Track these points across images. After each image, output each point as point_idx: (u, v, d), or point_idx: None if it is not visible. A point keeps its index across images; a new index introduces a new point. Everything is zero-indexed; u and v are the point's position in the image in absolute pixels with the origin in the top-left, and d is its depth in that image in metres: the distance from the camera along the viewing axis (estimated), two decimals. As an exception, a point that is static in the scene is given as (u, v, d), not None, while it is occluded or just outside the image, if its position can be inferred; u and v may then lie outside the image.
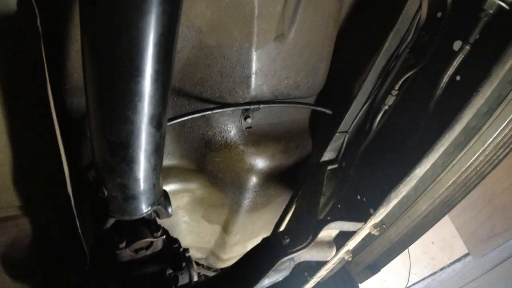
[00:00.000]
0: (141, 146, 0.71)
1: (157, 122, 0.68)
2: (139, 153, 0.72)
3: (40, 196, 0.99)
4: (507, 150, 1.17)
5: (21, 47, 0.71)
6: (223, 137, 1.25)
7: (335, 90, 1.32)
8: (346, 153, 1.43)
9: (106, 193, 0.84)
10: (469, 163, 1.20)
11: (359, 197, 1.48)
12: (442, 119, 1.12)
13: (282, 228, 1.71)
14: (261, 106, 1.16)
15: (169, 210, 1.00)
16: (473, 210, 3.45)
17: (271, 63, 1.06)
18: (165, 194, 1.00)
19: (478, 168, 1.23)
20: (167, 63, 0.60)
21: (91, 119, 0.70)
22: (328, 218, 1.64)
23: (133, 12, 0.51)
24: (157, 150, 0.75)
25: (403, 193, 1.27)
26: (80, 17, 0.57)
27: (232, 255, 1.84)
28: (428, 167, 1.20)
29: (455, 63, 1.09)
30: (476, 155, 1.17)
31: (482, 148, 1.15)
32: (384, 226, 1.43)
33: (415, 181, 1.23)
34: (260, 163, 1.33)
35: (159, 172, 0.83)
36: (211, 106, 1.14)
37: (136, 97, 0.61)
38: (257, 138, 1.29)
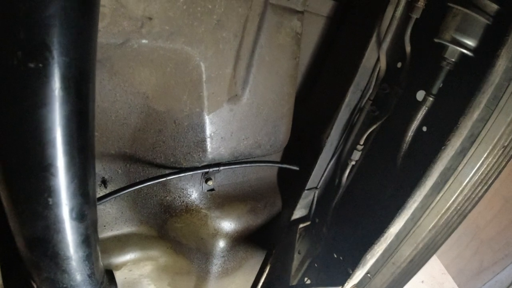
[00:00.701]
0: (63, 240, 0.62)
1: (78, 214, 0.60)
2: (62, 247, 0.63)
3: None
4: (485, 187, 1.12)
5: None
6: (183, 201, 1.16)
7: (301, 146, 1.27)
8: (317, 210, 1.35)
9: (35, 287, 0.74)
10: (448, 203, 1.13)
11: (335, 255, 1.38)
12: (412, 175, 1.06)
13: (259, 288, 1.58)
14: (221, 168, 1.09)
15: (116, 294, 0.89)
16: (459, 247, 3.37)
17: (226, 125, 1.01)
18: (110, 277, 0.89)
19: (459, 208, 1.16)
20: (79, 153, 0.53)
21: (6, 213, 0.61)
22: (306, 279, 1.54)
23: (26, 104, 0.44)
24: (85, 240, 0.66)
25: (380, 252, 1.19)
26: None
27: (206, 323, 1.69)
28: (402, 224, 1.12)
29: (420, 114, 1.05)
30: (455, 195, 1.11)
31: (460, 188, 1.09)
32: (369, 276, 1.34)
33: (391, 239, 1.15)
34: (226, 226, 1.24)
35: (93, 260, 0.73)
36: (167, 171, 1.06)
37: (45, 193, 0.53)
38: (221, 200, 1.20)
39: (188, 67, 0.87)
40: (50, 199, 0.54)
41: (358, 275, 1.20)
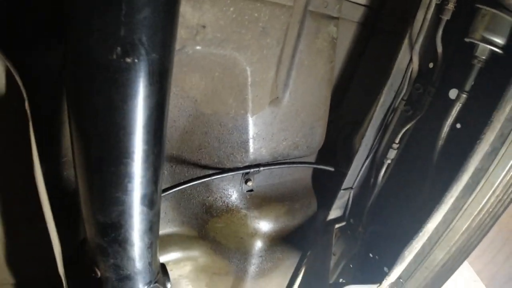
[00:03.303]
0: (133, 226, 0.68)
1: (149, 201, 0.66)
2: (132, 233, 0.69)
3: (33, 275, 0.95)
4: (517, 188, 1.13)
5: (10, 130, 0.72)
6: (224, 202, 1.21)
7: (336, 147, 1.31)
8: (353, 210, 1.38)
9: (99, 273, 0.80)
10: (481, 205, 1.14)
11: (371, 255, 1.40)
12: (448, 171, 1.08)
13: (293, 291, 1.60)
14: (261, 169, 1.14)
15: (168, 286, 0.94)
16: (491, 252, 3.28)
17: (268, 127, 1.06)
18: (163, 269, 0.94)
19: (491, 210, 1.17)
20: (156, 143, 0.59)
21: (81, 200, 0.68)
22: (342, 280, 1.55)
23: (118, 96, 0.51)
24: (151, 228, 0.72)
25: (417, 249, 1.20)
26: (67, 101, 0.57)
27: (241, 325, 1.71)
28: (440, 219, 1.14)
29: (453, 111, 1.08)
30: (487, 197, 1.12)
31: (492, 189, 1.10)
32: (401, 280, 1.34)
33: (428, 235, 1.17)
34: (264, 226, 1.28)
35: (154, 249, 0.79)
36: (210, 172, 1.12)
37: (126, 178, 0.59)
38: (259, 201, 1.25)
39: (235, 72, 0.93)
40: (129, 185, 0.60)
41: (395, 272, 1.22)
